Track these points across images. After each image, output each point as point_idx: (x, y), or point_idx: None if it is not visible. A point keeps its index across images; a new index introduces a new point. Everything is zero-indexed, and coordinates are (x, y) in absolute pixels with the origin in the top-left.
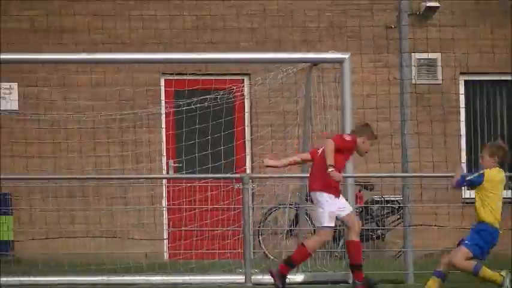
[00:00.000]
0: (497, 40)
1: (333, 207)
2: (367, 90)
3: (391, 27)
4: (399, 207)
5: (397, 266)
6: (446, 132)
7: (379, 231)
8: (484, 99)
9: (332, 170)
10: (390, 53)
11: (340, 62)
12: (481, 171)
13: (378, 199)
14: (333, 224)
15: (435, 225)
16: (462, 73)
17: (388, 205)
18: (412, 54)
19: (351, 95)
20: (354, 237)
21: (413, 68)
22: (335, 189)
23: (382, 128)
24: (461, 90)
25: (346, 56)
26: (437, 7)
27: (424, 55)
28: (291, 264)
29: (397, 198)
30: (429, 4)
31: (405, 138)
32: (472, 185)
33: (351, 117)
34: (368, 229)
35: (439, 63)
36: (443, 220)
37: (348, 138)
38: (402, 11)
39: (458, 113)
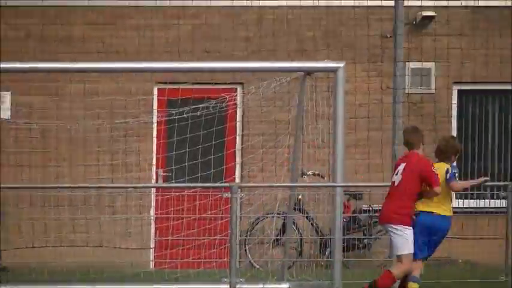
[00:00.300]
0: (491, 49)
1: (412, 236)
2: (360, 99)
3: (387, 36)
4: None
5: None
6: (437, 141)
7: (365, 241)
8: (476, 109)
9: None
10: (384, 62)
11: (334, 71)
12: None
13: (366, 208)
14: (412, 250)
15: None
16: (455, 82)
17: (376, 214)
18: (406, 63)
19: (343, 104)
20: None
21: (406, 77)
22: (411, 218)
23: (373, 137)
24: (454, 99)
25: (340, 65)
26: (433, 16)
27: (418, 64)
28: None
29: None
30: (425, 13)
31: (396, 147)
32: None
33: (342, 126)
34: (355, 238)
35: (432, 72)
36: None
37: (435, 170)
38: (398, 20)
39: (450, 122)
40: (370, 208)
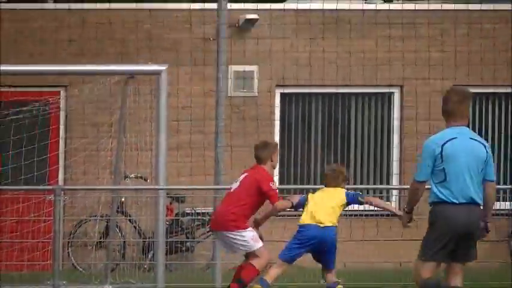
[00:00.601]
0: (314, 53)
1: (251, 232)
2: (183, 102)
3: (210, 39)
4: (210, 219)
5: (206, 278)
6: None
7: (188, 244)
8: (299, 112)
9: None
10: (207, 65)
11: (157, 74)
12: None
13: (189, 211)
14: (261, 243)
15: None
16: (278, 85)
17: (199, 217)
18: (229, 66)
19: (166, 107)
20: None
21: (229, 80)
22: (248, 222)
23: (195, 140)
24: (277, 102)
25: (163, 68)
26: (256, 19)
27: (241, 67)
28: (241, 283)
29: (208, 211)
30: (248, 17)
31: (219, 150)
32: None
33: (165, 129)
34: (178, 241)
35: (255, 75)
36: None
37: (274, 186)
38: (221, 24)
39: (273, 125)
40: (193, 211)
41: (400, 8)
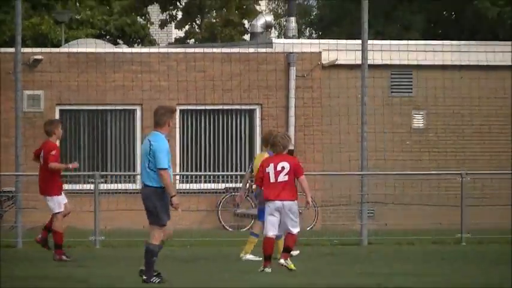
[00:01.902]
0: (81, 81)
1: (61, 199)
2: None
3: (10, 72)
4: (12, 196)
5: (11, 235)
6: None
7: None
8: (72, 123)
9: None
10: (8, 90)
11: None
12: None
13: None
14: (62, 209)
15: (37, 208)
16: (57, 104)
17: (5, 194)
18: (24, 91)
19: None
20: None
21: (24, 100)
22: (61, 187)
23: (5, 142)
24: (57, 116)
25: None
26: (41, 59)
27: (32, 92)
28: (58, 246)
29: (11, 189)
30: (36, 57)
31: (18, 149)
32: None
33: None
34: None
35: (42, 97)
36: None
37: (54, 152)
38: (17, 62)
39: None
40: (1, 190)
41: (139, 51)
